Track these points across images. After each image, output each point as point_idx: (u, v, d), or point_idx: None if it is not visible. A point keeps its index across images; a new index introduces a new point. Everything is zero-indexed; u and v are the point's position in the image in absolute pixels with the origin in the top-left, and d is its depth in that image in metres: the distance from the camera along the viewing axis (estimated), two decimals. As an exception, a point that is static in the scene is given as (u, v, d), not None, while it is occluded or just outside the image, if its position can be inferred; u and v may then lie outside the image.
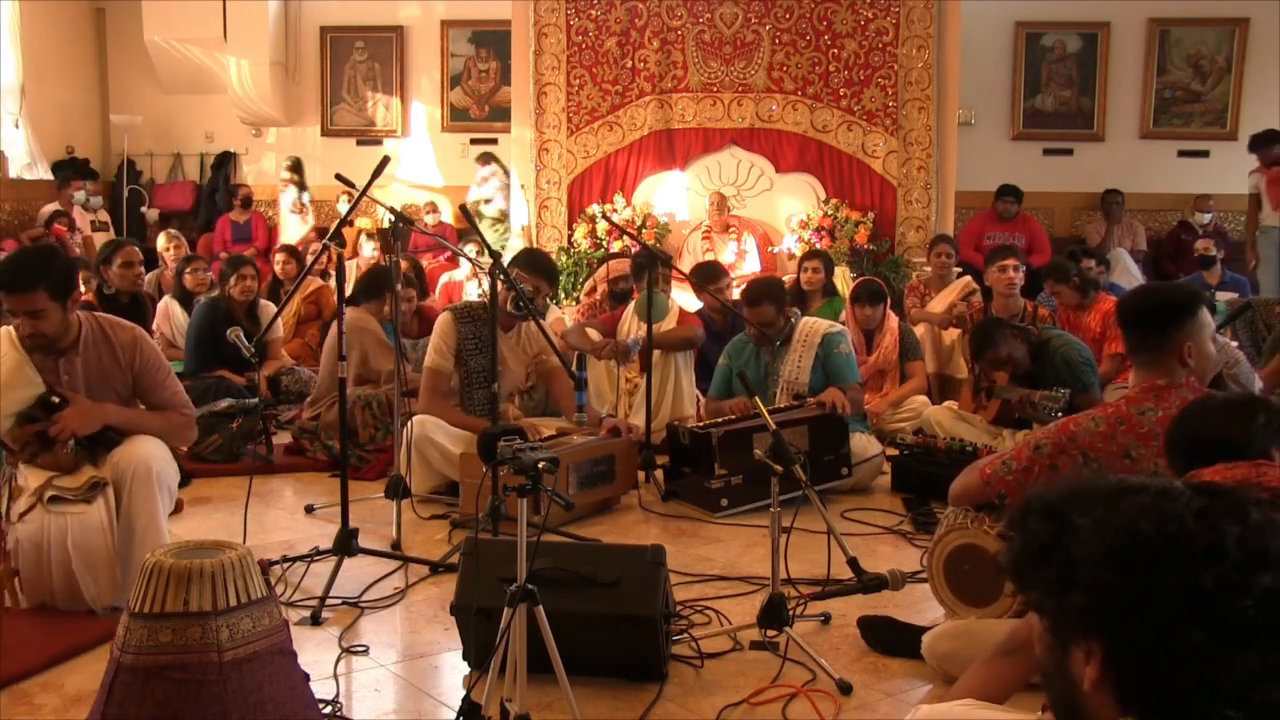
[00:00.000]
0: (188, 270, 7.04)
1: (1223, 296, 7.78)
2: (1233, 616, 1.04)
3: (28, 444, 3.40)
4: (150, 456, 3.43)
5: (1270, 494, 2.04)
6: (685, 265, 8.42)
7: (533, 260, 4.95)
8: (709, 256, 8.73)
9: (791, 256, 8.52)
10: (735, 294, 6.41)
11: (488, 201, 10.15)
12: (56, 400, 3.39)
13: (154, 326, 6.66)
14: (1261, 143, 8.91)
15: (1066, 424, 2.84)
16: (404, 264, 5.69)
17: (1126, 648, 1.08)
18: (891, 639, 3.16)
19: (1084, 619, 1.11)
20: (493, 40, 10.81)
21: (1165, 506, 1.09)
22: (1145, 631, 1.07)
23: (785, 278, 7.85)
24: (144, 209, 11.00)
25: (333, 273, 5.73)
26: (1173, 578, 1.06)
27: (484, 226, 10.01)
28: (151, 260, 8.60)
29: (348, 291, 6.47)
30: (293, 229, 10.37)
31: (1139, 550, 1.08)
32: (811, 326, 5.11)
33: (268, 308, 6.59)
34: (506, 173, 9.89)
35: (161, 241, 8.50)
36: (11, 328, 3.46)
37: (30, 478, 3.41)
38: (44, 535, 3.31)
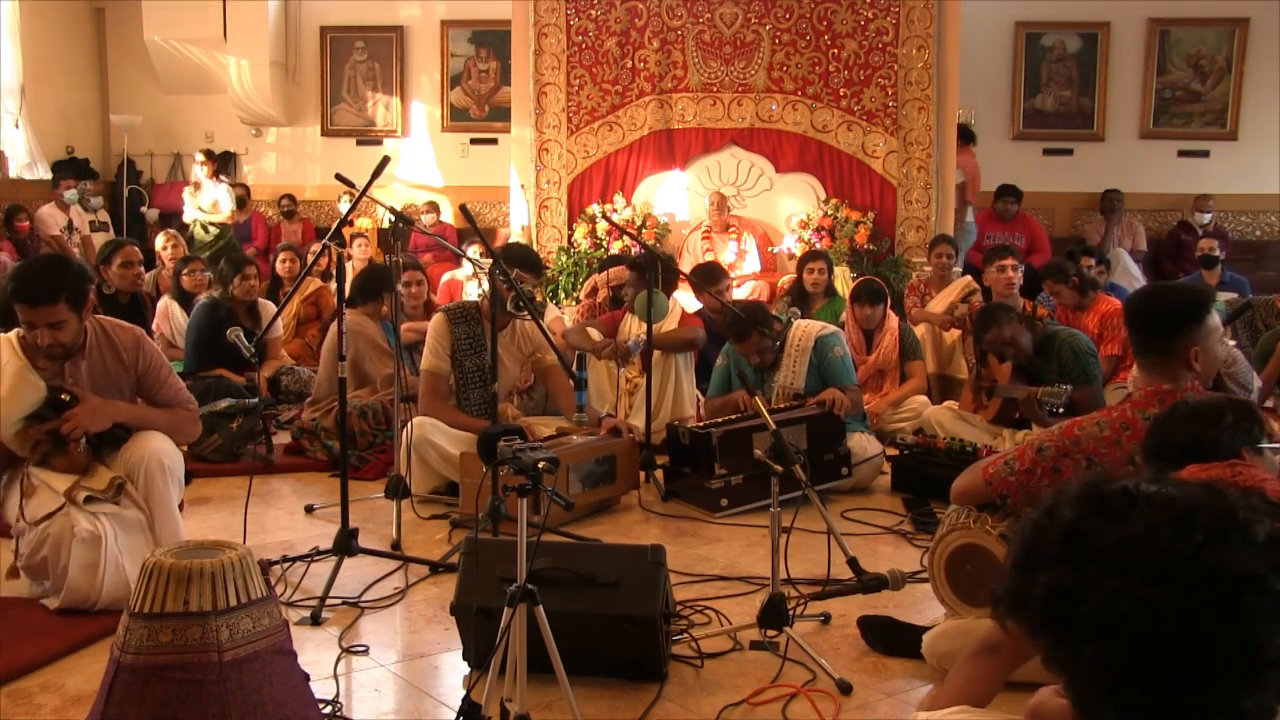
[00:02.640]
0: (185, 271, 7.04)
1: (1223, 296, 7.78)
2: (1078, 615, 1.05)
3: (39, 444, 3.41)
4: (160, 451, 3.46)
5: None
6: (685, 265, 8.42)
7: (513, 254, 4.93)
8: (709, 256, 8.73)
9: (791, 256, 8.52)
10: (736, 294, 6.40)
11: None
12: (66, 398, 3.39)
13: (153, 326, 6.65)
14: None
15: (1070, 427, 2.83)
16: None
17: (1046, 657, 1.11)
18: (891, 639, 3.15)
19: (1006, 605, 1.15)
20: (493, 40, 10.81)
21: (1062, 509, 1.11)
22: (1046, 639, 1.10)
23: (785, 278, 7.85)
24: (144, 209, 11.00)
25: (333, 273, 5.72)
26: (1042, 575, 1.09)
27: (207, 240, 9.79)
28: (150, 260, 8.61)
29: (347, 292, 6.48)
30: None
31: (1029, 548, 1.12)
32: (804, 331, 5.09)
33: (268, 307, 6.59)
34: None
35: (160, 241, 8.50)
36: (12, 334, 3.46)
37: (53, 480, 3.41)
38: (99, 537, 3.30)
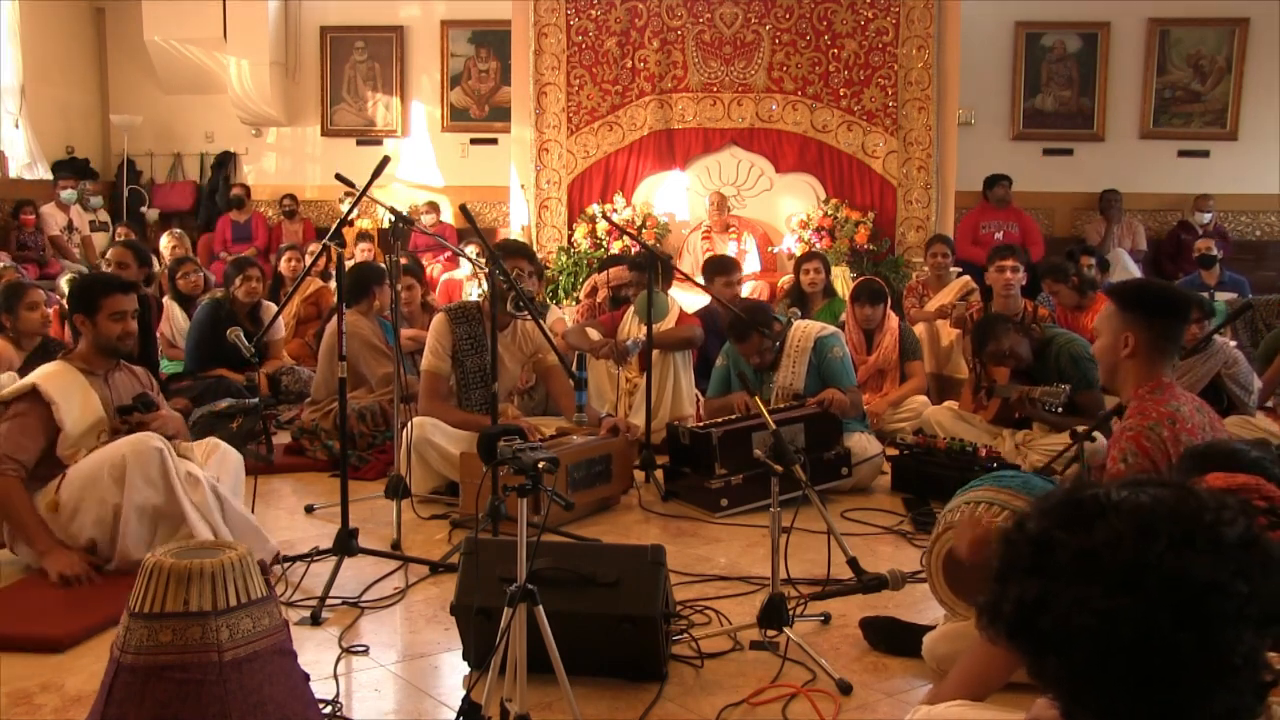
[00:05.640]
0: (179, 274, 7.03)
1: (1222, 296, 7.78)
2: (1040, 627, 1.06)
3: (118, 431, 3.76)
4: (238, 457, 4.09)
5: (1268, 504, 2.05)
6: (685, 265, 8.43)
7: (507, 248, 5.00)
8: (709, 257, 8.73)
9: (791, 256, 8.53)
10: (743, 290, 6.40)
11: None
12: (149, 402, 3.85)
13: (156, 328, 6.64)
14: None
15: (1139, 440, 2.76)
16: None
17: (1025, 667, 1.12)
18: (893, 639, 3.15)
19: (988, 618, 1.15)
20: (493, 40, 10.82)
21: (1033, 523, 1.11)
22: (1018, 650, 1.11)
23: (785, 278, 7.85)
24: (144, 209, 11.01)
25: (333, 273, 5.71)
26: (1012, 587, 1.09)
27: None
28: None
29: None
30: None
31: (1002, 561, 1.12)
32: (803, 331, 5.08)
33: (269, 309, 6.58)
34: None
35: (165, 241, 8.50)
36: (57, 365, 3.80)
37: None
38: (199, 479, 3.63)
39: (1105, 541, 1.04)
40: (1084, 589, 1.02)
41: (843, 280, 7.90)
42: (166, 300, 7.01)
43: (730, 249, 8.65)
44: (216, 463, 3.88)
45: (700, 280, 6.26)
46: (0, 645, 3.08)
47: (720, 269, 6.22)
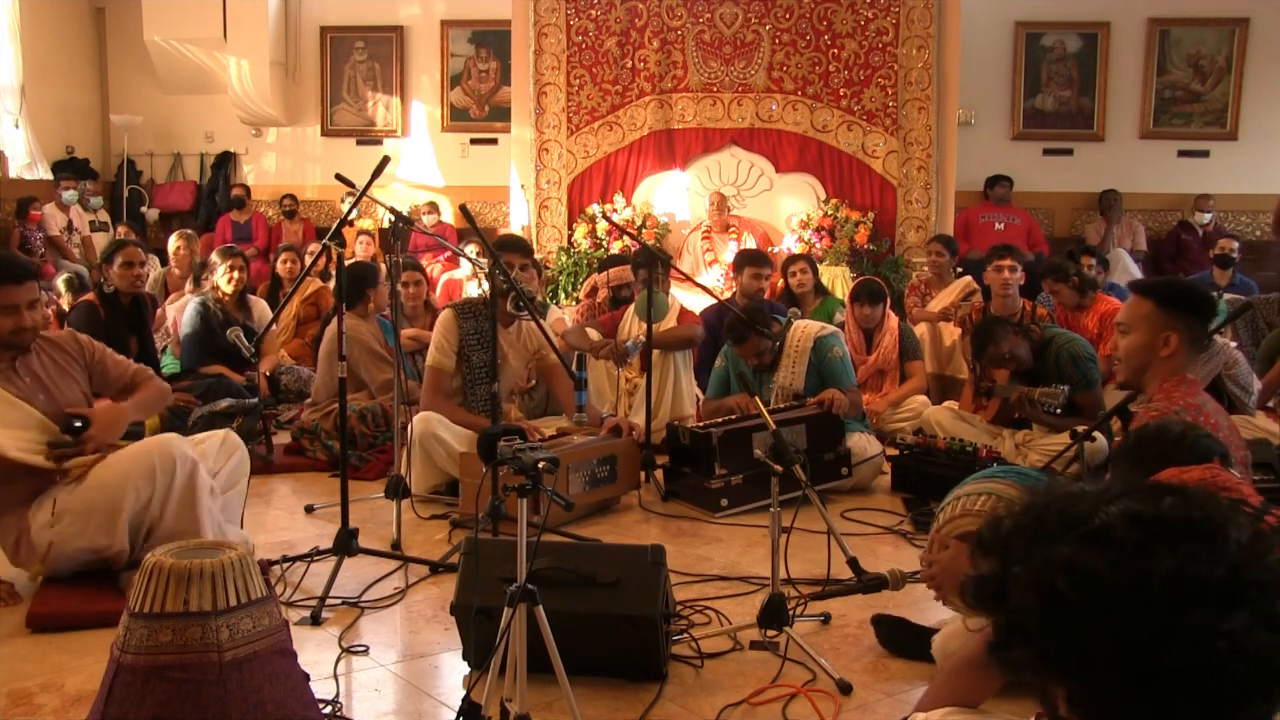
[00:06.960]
0: (204, 275, 7.00)
1: (1230, 298, 7.77)
2: (1166, 664, 0.98)
3: (68, 469, 3.42)
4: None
5: (1227, 495, 2.05)
6: (685, 265, 8.43)
7: (504, 243, 5.02)
8: (709, 257, 8.74)
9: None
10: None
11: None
12: (80, 424, 3.42)
13: (169, 322, 6.64)
14: None
15: (1162, 417, 2.80)
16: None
17: (1079, 696, 1.04)
18: (903, 639, 3.13)
19: (1033, 666, 1.07)
20: (493, 40, 10.82)
21: (1085, 559, 1.02)
22: (1090, 685, 1.02)
23: (780, 281, 7.85)
24: (144, 209, 11.01)
25: (332, 273, 5.71)
26: (1099, 632, 1.00)
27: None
28: (162, 261, 8.60)
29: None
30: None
31: (1063, 608, 1.03)
32: (803, 331, 5.08)
33: (258, 302, 6.58)
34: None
35: (173, 242, 8.49)
36: None
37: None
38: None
39: (1181, 563, 0.98)
40: (1199, 616, 0.96)
41: (843, 280, 7.90)
42: (187, 297, 6.99)
43: (730, 249, 8.66)
44: (231, 467, 3.70)
45: (701, 281, 6.26)
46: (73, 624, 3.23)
47: (751, 260, 6.20)
